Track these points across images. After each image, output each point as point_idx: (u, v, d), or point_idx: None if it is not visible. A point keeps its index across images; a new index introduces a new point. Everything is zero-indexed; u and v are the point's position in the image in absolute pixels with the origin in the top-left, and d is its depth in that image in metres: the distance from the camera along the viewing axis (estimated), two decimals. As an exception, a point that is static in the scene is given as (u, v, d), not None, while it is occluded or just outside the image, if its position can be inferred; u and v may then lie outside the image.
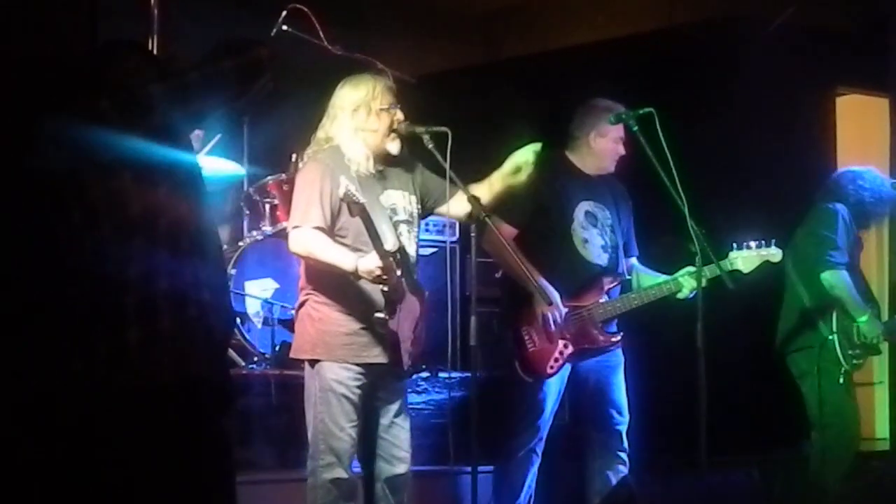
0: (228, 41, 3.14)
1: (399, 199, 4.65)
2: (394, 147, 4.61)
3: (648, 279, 5.43)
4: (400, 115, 4.60)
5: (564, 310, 5.22)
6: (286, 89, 3.51)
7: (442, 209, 4.78)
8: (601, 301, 5.32)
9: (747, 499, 5.09)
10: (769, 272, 5.45)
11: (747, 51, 7.28)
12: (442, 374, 6.17)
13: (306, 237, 4.47)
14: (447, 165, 4.50)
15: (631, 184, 5.53)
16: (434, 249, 6.13)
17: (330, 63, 5.64)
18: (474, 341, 4.50)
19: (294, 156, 6.21)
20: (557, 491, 5.72)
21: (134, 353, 2.97)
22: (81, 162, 3.01)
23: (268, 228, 6.52)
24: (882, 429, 7.85)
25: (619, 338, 5.36)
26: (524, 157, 4.67)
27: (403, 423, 4.65)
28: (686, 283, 5.20)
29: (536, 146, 4.67)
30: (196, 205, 3.14)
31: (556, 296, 5.12)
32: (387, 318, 4.41)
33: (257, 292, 6.38)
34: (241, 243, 6.51)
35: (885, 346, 6.29)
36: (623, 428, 5.34)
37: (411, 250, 4.63)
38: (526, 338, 5.26)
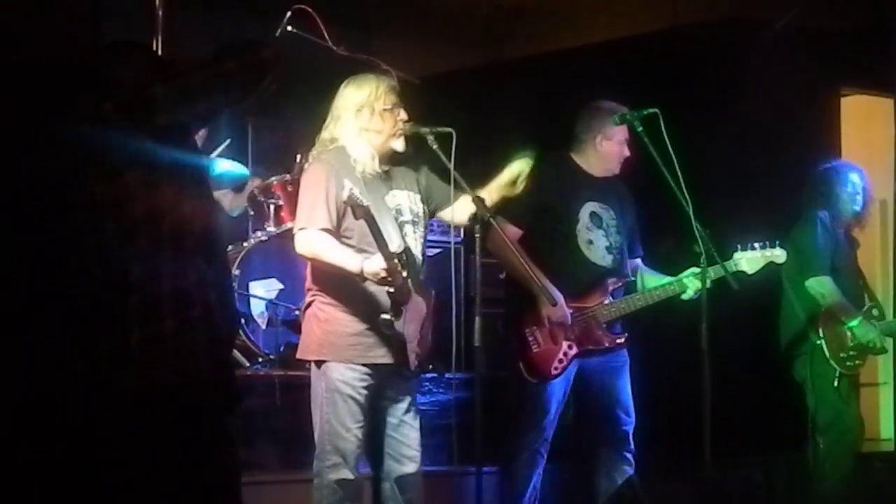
0: (232, 42, 3.14)
1: (404, 200, 4.64)
2: (399, 144, 4.60)
3: (653, 280, 5.43)
4: (403, 116, 4.60)
5: (569, 311, 5.22)
6: (290, 90, 3.51)
7: (444, 214, 4.77)
8: (605, 302, 5.32)
9: (751, 500, 5.09)
10: (773, 273, 5.45)
11: (751, 52, 7.26)
12: (446, 375, 6.16)
13: (312, 239, 4.47)
14: (451, 166, 4.50)
15: (635, 185, 5.53)
16: (438, 250, 6.11)
17: (334, 64, 5.64)
18: (478, 342, 4.49)
19: (299, 156, 6.22)
20: (563, 492, 5.71)
21: (137, 354, 2.97)
22: (84, 163, 3.01)
23: (272, 229, 6.51)
24: (886, 429, 7.84)
25: (623, 339, 5.36)
26: (520, 168, 4.68)
27: (413, 422, 4.63)
28: (690, 284, 5.20)
29: (531, 159, 4.68)
30: (200, 205, 3.13)
31: (560, 297, 5.11)
32: (392, 319, 4.40)
33: (262, 293, 6.38)
34: (245, 244, 6.50)
35: (889, 345, 6.28)
36: (630, 429, 5.34)
37: (417, 251, 4.61)
38: (530, 339, 5.26)
